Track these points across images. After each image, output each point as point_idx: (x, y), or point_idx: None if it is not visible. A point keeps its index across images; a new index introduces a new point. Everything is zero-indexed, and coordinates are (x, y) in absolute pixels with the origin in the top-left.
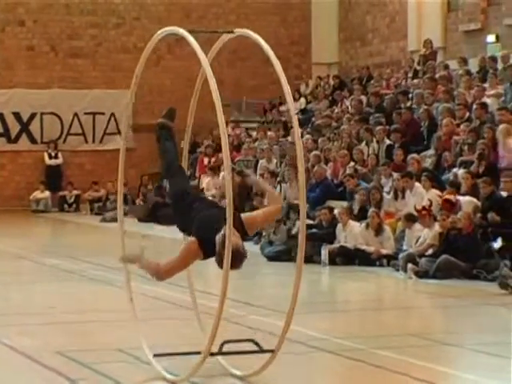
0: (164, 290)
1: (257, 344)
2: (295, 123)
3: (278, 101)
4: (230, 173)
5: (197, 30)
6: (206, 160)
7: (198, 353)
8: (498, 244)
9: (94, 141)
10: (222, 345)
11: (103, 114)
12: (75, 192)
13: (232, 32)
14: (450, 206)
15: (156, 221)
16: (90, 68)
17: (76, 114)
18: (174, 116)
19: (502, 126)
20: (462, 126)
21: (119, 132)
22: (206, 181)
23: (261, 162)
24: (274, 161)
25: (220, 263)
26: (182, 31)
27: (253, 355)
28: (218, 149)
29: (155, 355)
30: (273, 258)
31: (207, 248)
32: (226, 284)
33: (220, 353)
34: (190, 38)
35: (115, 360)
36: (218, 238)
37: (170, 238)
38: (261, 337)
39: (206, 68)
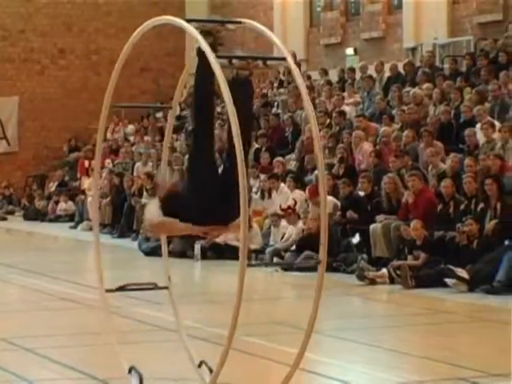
0: (45, 284)
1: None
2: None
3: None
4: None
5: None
6: (86, 163)
7: None
8: (356, 239)
9: None
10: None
11: None
12: None
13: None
14: (315, 192)
15: None
16: None
17: None
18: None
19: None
20: (322, 132)
21: (5, 137)
22: (87, 182)
23: (137, 164)
24: (150, 164)
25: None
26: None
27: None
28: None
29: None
30: (149, 253)
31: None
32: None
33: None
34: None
35: (0, 349)
36: None
37: (54, 236)
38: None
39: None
